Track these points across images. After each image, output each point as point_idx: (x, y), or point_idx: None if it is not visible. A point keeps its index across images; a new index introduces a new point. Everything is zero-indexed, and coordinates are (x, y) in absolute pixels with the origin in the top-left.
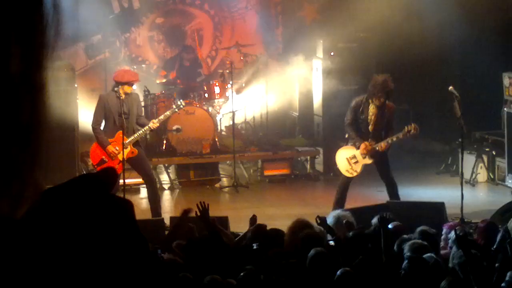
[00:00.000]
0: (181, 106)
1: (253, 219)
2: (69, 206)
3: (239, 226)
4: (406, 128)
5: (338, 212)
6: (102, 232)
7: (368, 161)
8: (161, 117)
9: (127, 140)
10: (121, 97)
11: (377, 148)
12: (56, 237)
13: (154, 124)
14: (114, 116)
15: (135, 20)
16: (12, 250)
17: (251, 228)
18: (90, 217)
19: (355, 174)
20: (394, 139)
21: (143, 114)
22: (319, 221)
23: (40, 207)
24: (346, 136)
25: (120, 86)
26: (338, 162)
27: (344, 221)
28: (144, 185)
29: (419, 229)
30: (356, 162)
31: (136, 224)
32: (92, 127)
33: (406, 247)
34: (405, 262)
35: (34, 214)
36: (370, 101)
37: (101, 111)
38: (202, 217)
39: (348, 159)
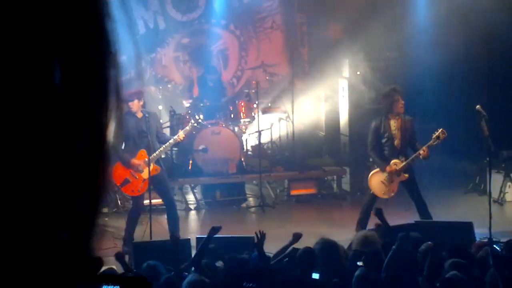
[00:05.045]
0: (200, 121)
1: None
2: None
3: (266, 246)
4: (434, 134)
5: (365, 232)
6: None
7: (404, 176)
8: (181, 132)
9: (150, 157)
10: (139, 116)
11: (421, 156)
12: None
13: (181, 136)
14: (134, 135)
15: (160, 41)
16: None
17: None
18: None
19: (392, 194)
20: (425, 148)
21: (163, 131)
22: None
23: None
24: (371, 160)
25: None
26: (373, 187)
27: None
28: None
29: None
30: (392, 181)
31: None
32: (112, 147)
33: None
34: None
35: None
36: (389, 116)
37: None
38: (258, 244)
39: (384, 181)
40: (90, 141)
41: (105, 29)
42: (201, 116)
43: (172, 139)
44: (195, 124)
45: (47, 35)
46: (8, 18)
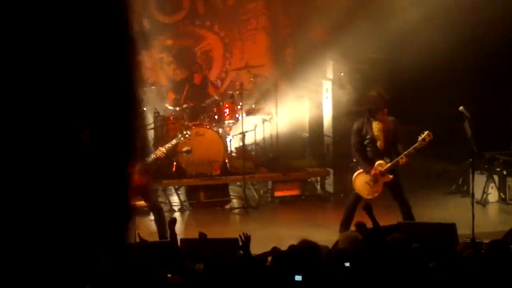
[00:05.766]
0: (187, 136)
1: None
2: None
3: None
4: (420, 137)
5: (350, 232)
6: None
7: (389, 177)
8: (168, 145)
9: (134, 169)
10: None
11: (400, 163)
12: None
13: (160, 152)
14: None
15: (144, 42)
16: None
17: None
18: None
19: (376, 194)
20: (412, 151)
21: (151, 143)
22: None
23: None
24: (354, 160)
25: None
26: (357, 187)
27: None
28: None
29: None
30: (377, 182)
31: None
32: None
33: None
34: None
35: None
36: (371, 119)
37: None
38: (243, 247)
39: (368, 182)
40: (113, 190)
41: (137, 92)
42: (189, 132)
43: (153, 155)
44: (182, 139)
45: (84, 98)
46: (52, 79)
